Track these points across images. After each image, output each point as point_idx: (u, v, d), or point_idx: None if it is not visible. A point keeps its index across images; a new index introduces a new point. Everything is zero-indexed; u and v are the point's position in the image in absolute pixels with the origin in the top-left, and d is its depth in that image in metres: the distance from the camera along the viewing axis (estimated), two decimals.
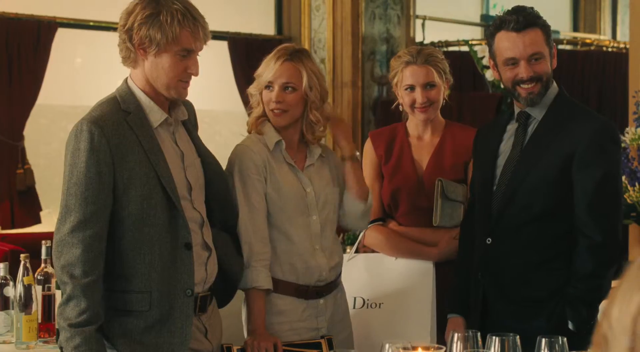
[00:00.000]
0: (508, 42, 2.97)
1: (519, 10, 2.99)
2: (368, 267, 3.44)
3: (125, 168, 2.59)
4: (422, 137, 3.45)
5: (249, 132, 3.09)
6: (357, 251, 3.50)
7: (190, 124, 2.87)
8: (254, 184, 2.97)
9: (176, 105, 2.79)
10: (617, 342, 1.01)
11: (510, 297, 3.01)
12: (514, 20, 2.97)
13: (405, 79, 3.35)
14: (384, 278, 3.40)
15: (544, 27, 2.98)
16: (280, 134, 3.06)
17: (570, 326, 2.85)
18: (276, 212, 3.01)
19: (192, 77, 2.72)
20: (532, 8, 3.02)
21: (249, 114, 3.16)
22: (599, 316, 1.08)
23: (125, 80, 2.74)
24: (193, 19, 2.65)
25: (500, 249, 3.02)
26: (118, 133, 2.60)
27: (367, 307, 3.38)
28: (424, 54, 3.37)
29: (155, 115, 2.70)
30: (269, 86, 3.03)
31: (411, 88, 3.35)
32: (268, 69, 3.02)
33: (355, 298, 3.39)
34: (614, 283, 3.34)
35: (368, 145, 3.51)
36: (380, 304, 3.37)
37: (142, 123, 2.66)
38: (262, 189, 2.98)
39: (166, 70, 2.65)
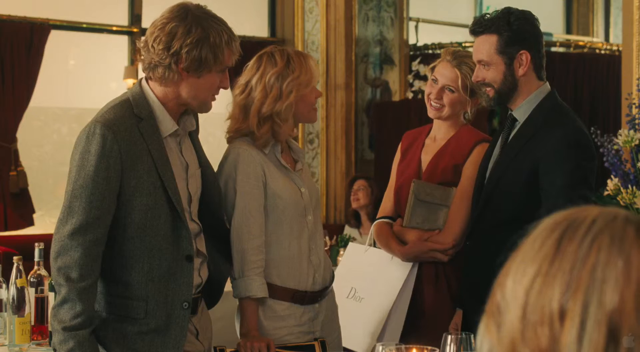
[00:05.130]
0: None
1: (497, 13, 2.97)
2: (371, 261, 3.51)
3: (133, 176, 2.56)
4: (436, 138, 3.47)
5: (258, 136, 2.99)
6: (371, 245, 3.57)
7: (195, 133, 2.86)
8: (252, 192, 2.93)
9: (186, 115, 2.77)
10: (510, 312, 1.08)
11: (481, 298, 3.02)
12: (474, 24, 3.00)
13: (437, 71, 3.39)
14: (374, 273, 3.46)
15: (507, 33, 2.92)
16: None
17: None
18: (277, 217, 2.98)
19: None
20: (508, 10, 2.96)
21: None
22: (494, 286, 1.14)
23: (139, 84, 2.70)
24: (235, 38, 2.69)
25: (476, 252, 3.04)
26: (130, 140, 2.56)
27: (354, 299, 3.46)
28: (463, 60, 3.36)
29: (167, 125, 2.67)
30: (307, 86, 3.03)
31: (435, 81, 3.39)
32: (315, 71, 3.06)
33: (351, 288, 3.48)
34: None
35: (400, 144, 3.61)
36: (361, 298, 3.45)
37: (153, 131, 2.63)
38: (261, 197, 2.96)
39: (208, 88, 2.68)
